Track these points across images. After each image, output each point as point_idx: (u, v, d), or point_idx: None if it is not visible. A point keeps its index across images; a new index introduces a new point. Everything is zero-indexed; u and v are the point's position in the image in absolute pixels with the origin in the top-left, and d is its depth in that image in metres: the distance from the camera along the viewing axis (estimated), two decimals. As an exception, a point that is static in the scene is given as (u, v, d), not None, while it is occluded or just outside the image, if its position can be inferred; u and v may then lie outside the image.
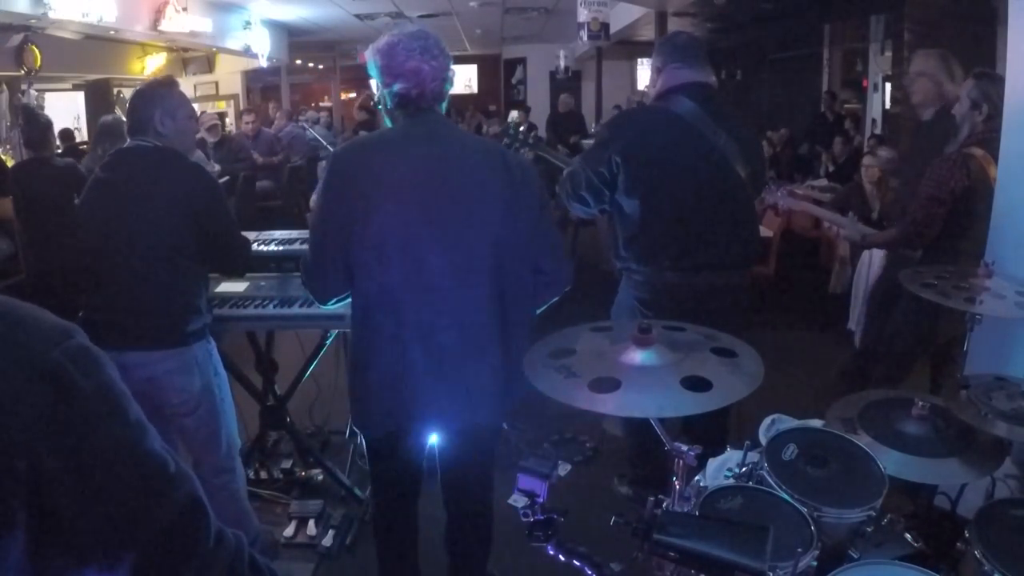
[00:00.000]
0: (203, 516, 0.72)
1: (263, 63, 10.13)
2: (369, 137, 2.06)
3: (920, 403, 1.79)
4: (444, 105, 1.88)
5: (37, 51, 5.89)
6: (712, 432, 2.44)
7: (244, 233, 2.44)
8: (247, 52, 9.61)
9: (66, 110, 7.05)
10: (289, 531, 2.78)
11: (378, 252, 1.76)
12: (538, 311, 2.00)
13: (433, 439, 1.94)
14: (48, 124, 4.53)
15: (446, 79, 1.82)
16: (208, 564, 0.72)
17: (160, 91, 2.29)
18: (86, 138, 6.73)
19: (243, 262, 2.44)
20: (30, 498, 0.62)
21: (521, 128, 3.31)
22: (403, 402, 1.83)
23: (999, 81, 2.66)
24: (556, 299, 2.00)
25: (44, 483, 0.62)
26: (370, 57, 1.82)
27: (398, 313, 1.78)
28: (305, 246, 2.16)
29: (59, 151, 5.40)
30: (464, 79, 18.45)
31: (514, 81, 17.07)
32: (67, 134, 6.38)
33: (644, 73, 13.80)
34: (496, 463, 2.09)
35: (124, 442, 0.68)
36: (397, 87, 1.78)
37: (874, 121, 8.81)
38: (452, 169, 1.78)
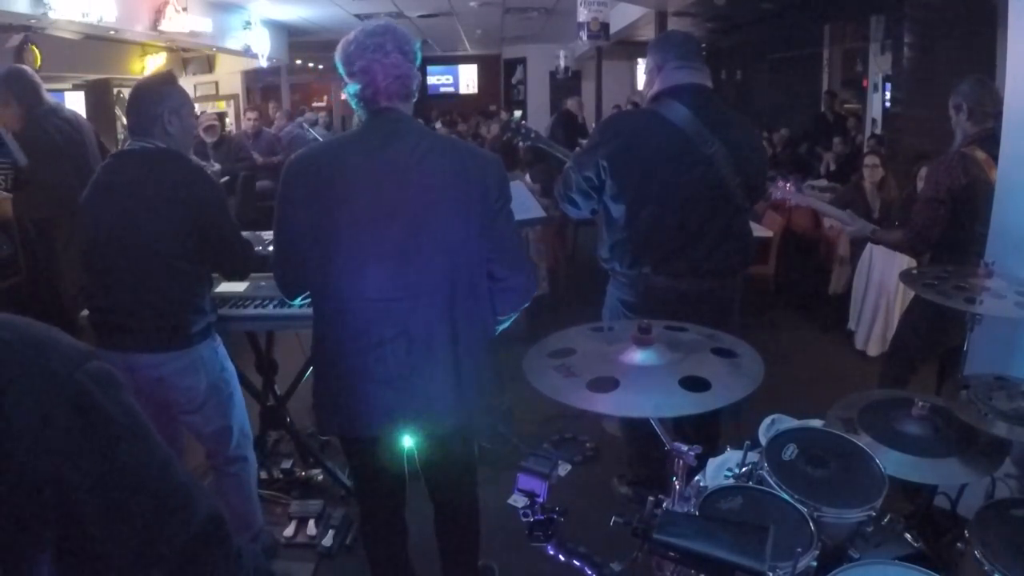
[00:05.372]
0: (224, 532, 0.74)
1: (263, 63, 10.12)
2: (330, 140, 2.00)
3: (920, 403, 1.79)
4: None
5: (37, 51, 5.87)
6: (703, 433, 2.44)
7: (244, 233, 2.42)
8: (247, 52, 9.60)
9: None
10: (289, 531, 2.79)
11: (328, 258, 1.73)
12: (501, 325, 1.92)
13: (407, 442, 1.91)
14: None
15: (404, 75, 1.73)
16: None
17: (165, 88, 2.24)
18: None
19: (244, 267, 2.40)
20: (58, 521, 0.62)
21: (524, 122, 3.33)
22: (355, 409, 1.81)
23: (981, 83, 2.74)
24: (517, 312, 1.92)
25: (71, 506, 0.63)
26: (335, 56, 1.78)
27: (347, 321, 1.75)
28: None
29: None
30: (464, 79, 18.48)
31: (514, 81, 17.08)
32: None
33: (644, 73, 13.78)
34: (495, 463, 2.08)
35: (147, 462, 0.69)
36: (353, 87, 1.74)
37: (874, 121, 8.82)
38: (404, 172, 1.71)
